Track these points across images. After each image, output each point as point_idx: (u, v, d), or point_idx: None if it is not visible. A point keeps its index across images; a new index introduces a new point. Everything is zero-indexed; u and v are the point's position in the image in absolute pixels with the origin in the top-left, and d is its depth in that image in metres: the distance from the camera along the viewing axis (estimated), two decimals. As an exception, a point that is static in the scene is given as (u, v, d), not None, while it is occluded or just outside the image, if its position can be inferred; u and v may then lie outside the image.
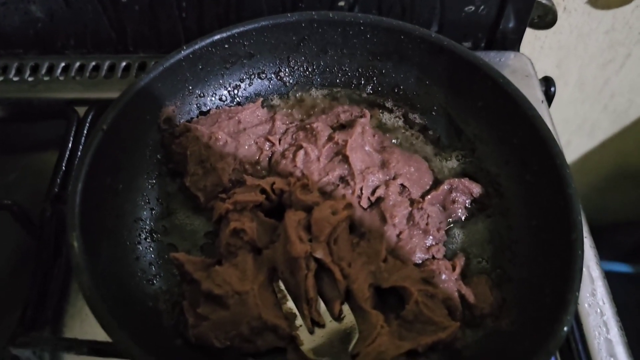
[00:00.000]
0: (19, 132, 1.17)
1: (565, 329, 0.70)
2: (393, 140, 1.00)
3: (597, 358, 0.89)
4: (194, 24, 1.20)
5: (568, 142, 1.89)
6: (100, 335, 0.81)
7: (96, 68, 1.25)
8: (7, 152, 1.15)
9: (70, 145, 1.05)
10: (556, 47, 1.54)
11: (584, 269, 0.75)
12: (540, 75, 1.24)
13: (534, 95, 1.17)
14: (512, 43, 1.27)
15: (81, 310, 0.93)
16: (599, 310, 0.94)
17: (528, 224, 0.87)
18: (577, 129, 1.87)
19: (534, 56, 1.27)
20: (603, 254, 1.00)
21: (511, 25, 1.23)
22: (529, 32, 1.29)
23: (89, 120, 1.08)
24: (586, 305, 0.94)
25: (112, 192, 0.86)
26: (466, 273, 0.87)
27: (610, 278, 0.98)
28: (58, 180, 1.01)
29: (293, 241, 0.81)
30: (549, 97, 1.23)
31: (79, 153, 1.04)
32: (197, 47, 0.94)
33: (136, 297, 0.81)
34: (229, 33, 0.96)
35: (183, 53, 0.93)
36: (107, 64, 1.25)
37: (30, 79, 1.23)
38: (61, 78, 1.23)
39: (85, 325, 0.92)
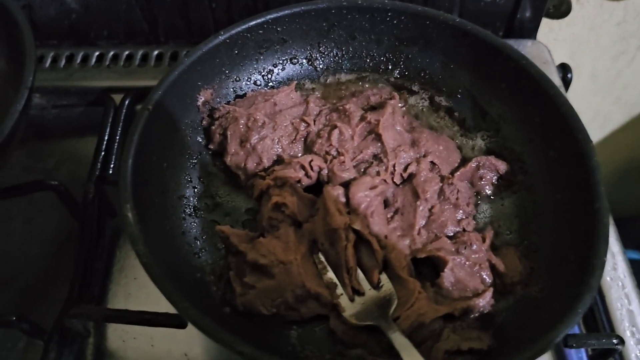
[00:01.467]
0: (56, 119, 1.20)
1: (593, 292, 0.73)
2: (420, 122, 1.04)
3: (620, 328, 0.93)
4: (224, 14, 1.24)
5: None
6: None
7: (129, 57, 1.29)
8: (46, 138, 1.18)
9: (108, 130, 1.09)
10: (570, 39, 1.57)
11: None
12: (555, 66, 1.28)
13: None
14: (529, 31, 1.31)
15: (125, 288, 0.97)
16: (620, 284, 0.98)
17: (552, 197, 0.91)
18: (589, 121, 1.88)
19: (548, 48, 1.31)
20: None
21: (528, 14, 1.27)
22: (543, 25, 1.32)
23: (125, 106, 1.12)
24: (608, 278, 0.98)
25: (157, 169, 0.90)
26: (495, 245, 0.90)
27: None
28: (99, 163, 1.04)
29: (333, 213, 0.85)
30: (566, 83, 1.27)
31: (119, 133, 1.08)
32: (233, 32, 0.98)
33: (185, 268, 0.85)
34: (263, 19, 1.00)
35: (220, 38, 0.97)
36: (140, 53, 1.30)
37: (65, 68, 1.28)
38: (96, 67, 1.28)
39: (129, 303, 0.95)
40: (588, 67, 1.68)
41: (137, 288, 0.97)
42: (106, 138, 1.07)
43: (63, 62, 1.28)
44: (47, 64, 1.28)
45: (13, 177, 1.07)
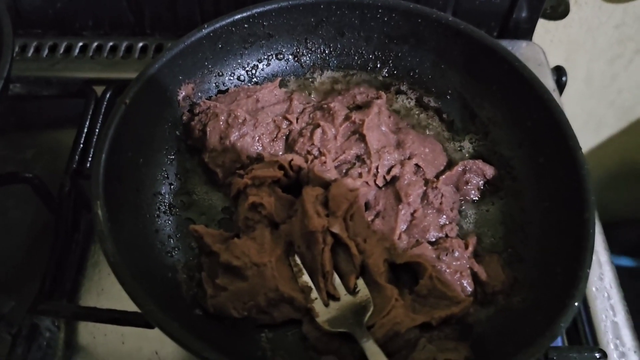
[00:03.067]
0: (36, 109, 1.19)
1: (577, 303, 0.71)
2: (407, 123, 1.02)
3: (603, 340, 0.91)
4: (211, 7, 1.22)
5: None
6: (117, 307, 0.84)
7: (113, 49, 1.26)
8: (25, 128, 1.16)
9: (88, 123, 1.06)
10: (566, 40, 1.55)
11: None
12: (550, 68, 1.26)
13: (546, 84, 1.16)
14: (525, 32, 1.29)
15: (98, 283, 0.95)
16: (606, 294, 0.95)
17: (540, 205, 0.89)
18: (583, 125, 1.87)
19: (543, 49, 1.28)
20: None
21: (524, 14, 1.25)
22: (539, 25, 1.30)
23: (106, 99, 1.09)
24: (594, 289, 0.96)
25: (132, 165, 0.87)
26: (478, 252, 0.88)
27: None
28: (76, 156, 1.02)
29: (311, 215, 0.82)
30: (560, 86, 1.25)
31: (99, 126, 1.05)
32: (217, 25, 0.96)
33: (156, 268, 0.83)
34: (249, 13, 0.98)
35: (204, 31, 0.95)
36: (124, 45, 1.27)
37: (48, 58, 1.25)
38: (79, 58, 1.25)
39: (102, 299, 0.93)
40: (583, 70, 1.65)
41: (110, 284, 0.95)
42: (85, 131, 1.05)
43: (46, 51, 1.26)
44: (30, 53, 1.26)
45: (-11, 168, 1.05)
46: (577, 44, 1.57)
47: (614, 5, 1.45)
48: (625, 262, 1.84)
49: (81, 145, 1.03)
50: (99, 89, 1.12)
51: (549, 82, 1.22)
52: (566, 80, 1.25)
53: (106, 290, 0.94)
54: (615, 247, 1.05)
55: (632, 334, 0.91)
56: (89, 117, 1.07)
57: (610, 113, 1.84)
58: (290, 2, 0.99)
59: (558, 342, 0.91)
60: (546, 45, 1.42)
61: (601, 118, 1.85)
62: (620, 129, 1.90)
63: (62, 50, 1.26)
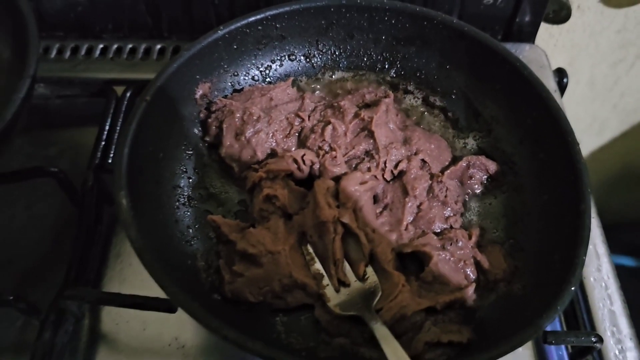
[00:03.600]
0: (60, 108, 1.22)
1: (572, 288, 0.76)
2: (414, 121, 1.06)
3: (600, 327, 0.96)
4: (226, 10, 1.26)
5: (577, 140, 1.89)
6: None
7: (132, 51, 1.31)
8: (50, 126, 1.20)
9: (109, 121, 1.11)
10: (569, 45, 1.58)
11: (590, 246, 0.80)
12: (553, 70, 1.30)
13: (548, 85, 1.19)
14: (528, 36, 1.33)
15: (120, 273, 1.00)
16: (603, 284, 1.00)
17: (540, 198, 0.93)
18: (586, 128, 1.90)
19: (547, 53, 1.32)
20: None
21: (527, 18, 1.29)
22: (543, 30, 1.34)
23: (126, 98, 1.14)
24: (592, 279, 1.00)
25: (153, 159, 0.92)
26: (481, 243, 0.92)
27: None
28: (98, 153, 1.06)
29: (322, 206, 0.87)
30: (562, 88, 1.29)
31: (119, 124, 1.10)
32: (232, 27, 1.00)
33: (176, 255, 0.87)
34: (262, 15, 1.02)
35: (220, 33, 0.99)
36: (143, 47, 1.32)
37: (70, 59, 1.30)
38: (99, 60, 1.30)
39: (124, 288, 0.96)
40: (586, 74, 1.68)
41: (132, 274, 0.99)
42: (107, 129, 1.09)
43: (68, 53, 1.31)
44: (53, 55, 1.31)
45: (17, 163, 1.09)
46: (580, 48, 1.60)
47: (615, 10, 1.49)
48: (627, 261, 1.86)
49: (103, 142, 1.08)
50: (118, 89, 1.17)
51: (551, 84, 1.26)
52: (567, 82, 1.29)
53: (128, 279, 0.99)
54: (617, 249, 1.08)
55: (628, 322, 0.96)
56: (110, 115, 1.12)
57: (613, 116, 1.87)
58: (302, 5, 1.04)
59: (557, 327, 0.95)
60: (550, 49, 1.47)
61: (604, 121, 1.88)
62: (622, 132, 1.94)
63: (83, 52, 1.31)
